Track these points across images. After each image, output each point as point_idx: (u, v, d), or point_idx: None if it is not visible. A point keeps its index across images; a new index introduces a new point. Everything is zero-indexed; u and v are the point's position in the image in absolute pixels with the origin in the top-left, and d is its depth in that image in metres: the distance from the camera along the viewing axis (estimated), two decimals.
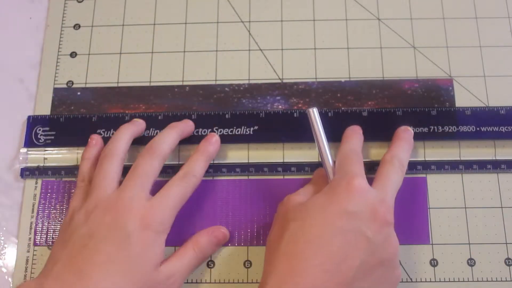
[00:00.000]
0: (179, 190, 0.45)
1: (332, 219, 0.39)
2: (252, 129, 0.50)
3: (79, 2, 0.57)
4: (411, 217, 0.48)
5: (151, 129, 0.50)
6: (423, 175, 0.49)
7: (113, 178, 0.44)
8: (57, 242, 0.43)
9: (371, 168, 0.49)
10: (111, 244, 0.40)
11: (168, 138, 0.46)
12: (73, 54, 0.55)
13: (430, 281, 0.47)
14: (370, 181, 0.43)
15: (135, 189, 0.43)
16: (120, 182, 0.45)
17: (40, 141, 0.51)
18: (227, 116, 0.50)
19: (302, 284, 0.36)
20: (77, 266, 0.39)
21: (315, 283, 0.36)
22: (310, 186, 0.45)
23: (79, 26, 0.56)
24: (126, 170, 0.46)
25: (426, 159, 0.49)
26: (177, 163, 0.50)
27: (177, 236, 0.45)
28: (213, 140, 0.48)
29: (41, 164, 0.50)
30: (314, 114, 0.45)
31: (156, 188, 0.45)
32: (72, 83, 0.54)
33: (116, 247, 0.40)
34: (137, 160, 0.45)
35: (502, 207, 0.49)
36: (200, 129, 0.50)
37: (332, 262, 0.37)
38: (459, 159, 0.49)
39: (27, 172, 0.50)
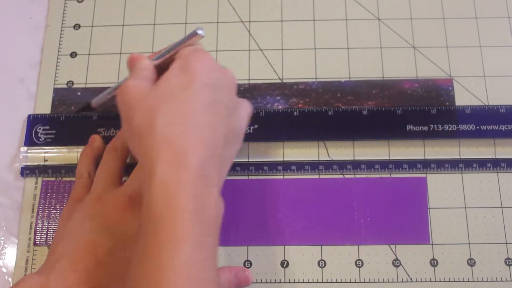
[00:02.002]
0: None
1: (199, 95, 0.38)
2: (252, 128, 0.50)
3: (79, 2, 0.57)
4: (411, 217, 0.48)
5: None
6: (423, 175, 0.49)
7: (117, 175, 0.45)
8: (58, 234, 0.43)
9: (371, 167, 0.49)
10: (117, 244, 0.40)
11: None
12: (73, 54, 0.55)
13: (430, 281, 0.47)
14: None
15: (139, 188, 0.43)
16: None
17: (40, 140, 0.51)
18: None
19: (192, 162, 0.35)
20: (82, 264, 0.39)
21: (203, 159, 0.36)
22: (138, 71, 0.42)
23: (79, 26, 0.56)
24: (126, 168, 0.46)
25: (426, 157, 0.49)
26: None
27: None
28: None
29: (41, 163, 0.50)
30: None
31: None
32: (72, 83, 0.54)
33: (122, 249, 0.40)
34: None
35: (502, 207, 0.49)
36: None
37: (210, 137, 0.37)
38: (459, 157, 0.49)
39: (27, 171, 0.50)
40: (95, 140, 0.48)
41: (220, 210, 0.37)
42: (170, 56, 0.42)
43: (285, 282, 0.47)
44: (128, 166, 0.47)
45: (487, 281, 0.47)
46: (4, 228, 0.50)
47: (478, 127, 0.49)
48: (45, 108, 0.53)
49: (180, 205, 0.34)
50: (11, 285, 0.47)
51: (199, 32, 0.42)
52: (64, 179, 0.50)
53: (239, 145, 0.42)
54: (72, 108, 0.52)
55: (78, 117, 0.51)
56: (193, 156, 0.35)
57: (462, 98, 0.51)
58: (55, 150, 0.50)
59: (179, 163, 0.35)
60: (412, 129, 0.49)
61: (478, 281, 0.47)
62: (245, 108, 0.42)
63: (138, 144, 0.38)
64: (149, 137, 0.37)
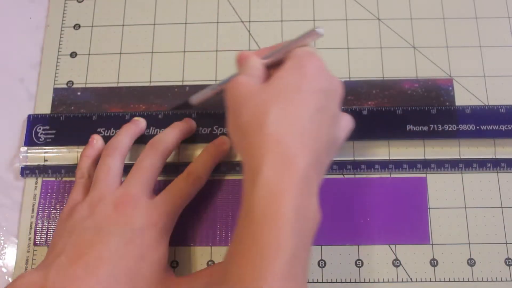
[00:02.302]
0: (183, 190, 0.45)
1: (309, 99, 0.38)
2: None
3: (79, 2, 0.57)
4: (411, 217, 0.48)
5: (151, 127, 0.50)
6: (423, 175, 0.49)
7: (116, 174, 0.45)
8: (57, 233, 0.43)
9: (371, 167, 0.49)
10: (119, 240, 0.40)
11: (171, 136, 0.47)
12: (73, 54, 0.55)
13: (430, 281, 0.47)
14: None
15: (139, 186, 0.43)
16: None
17: (40, 140, 0.51)
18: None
19: (299, 166, 0.35)
20: (83, 260, 0.39)
21: (308, 164, 0.35)
22: (248, 68, 0.42)
23: (79, 26, 0.56)
24: (126, 168, 0.46)
25: (426, 157, 0.49)
26: (177, 162, 0.50)
27: (176, 235, 0.45)
28: (221, 142, 0.48)
29: (41, 163, 0.50)
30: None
31: (157, 186, 0.45)
32: (72, 83, 0.54)
33: (123, 244, 0.40)
34: (140, 157, 0.45)
35: (502, 207, 0.49)
36: (200, 128, 0.50)
37: (316, 142, 0.37)
38: (459, 157, 0.49)
39: (27, 171, 0.50)
40: (96, 140, 0.49)
41: (317, 222, 0.36)
42: (282, 55, 0.42)
43: None
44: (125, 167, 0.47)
45: (487, 281, 0.47)
46: (4, 228, 0.50)
47: (478, 127, 0.49)
48: (45, 108, 0.53)
49: (282, 212, 0.34)
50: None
51: (319, 30, 0.41)
52: (64, 179, 0.50)
53: (333, 157, 0.41)
54: (72, 108, 0.52)
55: (78, 117, 0.51)
56: (300, 159, 0.35)
57: (462, 98, 0.51)
58: (55, 150, 0.50)
59: (287, 165, 0.35)
60: (412, 129, 0.49)
61: (478, 281, 0.47)
62: (346, 121, 0.42)
63: (243, 141, 0.38)
64: (257, 135, 0.36)
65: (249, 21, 0.55)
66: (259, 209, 0.34)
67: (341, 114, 0.41)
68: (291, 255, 0.33)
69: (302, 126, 0.36)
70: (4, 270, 0.48)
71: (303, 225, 0.35)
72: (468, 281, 0.47)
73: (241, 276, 0.33)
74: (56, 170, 0.50)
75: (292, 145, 0.36)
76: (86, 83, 0.54)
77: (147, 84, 0.53)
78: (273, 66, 0.42)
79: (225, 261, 0.36)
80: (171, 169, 0.49)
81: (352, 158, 0.50)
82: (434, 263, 0.47)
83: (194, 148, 0.50)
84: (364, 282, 0.47)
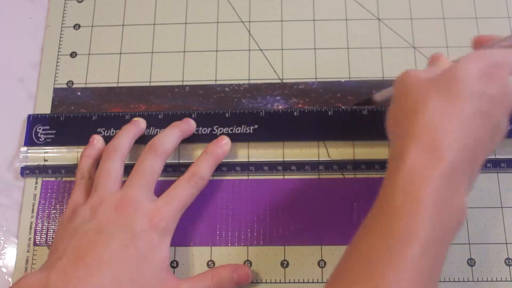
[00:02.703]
0: (185, 192, 0.45)
1: (475, 98, 0.36)
2: (252, 128, 0.50)
3: (79, 2, 0.57)
4: None
5: (151, 128, 0.50)
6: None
7: (117, 177, 0.45)
8: (59, 236, 0.43)
9: (371, 167, 0.49)
10: (119, 241, 0.40)
11: (170, 136, 0.47)
12: (73, 54, 0.55)
13: None
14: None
15: (140, 188, 0.43)
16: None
17: (40, 140, 0.51)
18: (227, 115, 0.50)
19: (446, 158, 0.34)
20: (84, 261, 0.39)
21: (457, 159, 0.35)
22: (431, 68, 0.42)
23: (79, 26, 0.56)
24: (127, 169, 0.46)
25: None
26: (177, 162, 0.50)
27: (176, 235, 0.45)
28: (222, 142, 0.48)
29: (41, 163, 0.50)
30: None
31: (157, 187, 0.45)
32: (72, 83, 0.54)
33: (124, 246, 0.40)
34: (140, 159, 0.45)
35: (502, 207, 0.49)
36: (200, 128, 0.50)
37: (471, 141, 0.36)
38: None
39: (27, 171, 0.50)
40: (96, 140, 0.49)
41: (461, 221, 0.36)
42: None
43: (285, 282, 0.47)
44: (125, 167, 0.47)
45: (487, 281, 0.47)
46: (4, 228, 0.50)
47: None
48: (45, 108, 0.53)
49: (422, 200, 0.33)
50: (11, 285, 0.47)
51: None
52: (64, 179, 0.50)
53: (483, 161, 0.39)
54: (72, 108, 0.52)
55: (78, 117, 0.51)
56: (449, 152, 0.34)
57: None
58: (55, 150, 0.50)
59: (433, 154, 0.34)
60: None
61: (478, 281, 0.47)
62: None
63: (397, 126, 0.38)
64: (411, 121, 0.36)
65: (249, 21, 0.55)
66: (397, 194, 0.34)
67: (504, 125, 0.39)
68: (425, 246, 0.33)
69: (461, 122, 0.36)
70: (4, 270, 0.48)
71: (444, 219, 0.34)
72: (468, 281, 0.47)
73: (367, 259, 0.33)
74: (56, 170, 0.50)
75: (443, 137, 0.35)
76: (86, 83, 0.54)
77: (147, 84, 0.53)
78: None
79: (349, 246, 0.36)
80: (172, 169, 0.49)
81: (352, 158, 0.50)
82: None
83: (194, 148, 0.50)
84: None
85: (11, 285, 0.47)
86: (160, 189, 0.45)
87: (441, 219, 0.34)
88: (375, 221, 0.35)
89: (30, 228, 0.49)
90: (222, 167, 0.49)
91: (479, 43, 0.43)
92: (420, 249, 0.32)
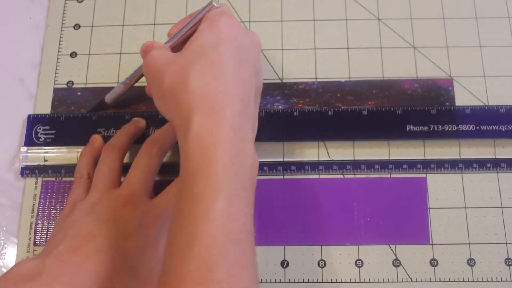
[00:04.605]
0: None
1: (228, 53, 0.39)
2: None
3: (79, 2, 0.57)
4: (411, 217, 0.48)
5: (151, 128, 0.50)
6: (423, 175, 0.49)
7: (116, 175, 0.45)
8: (57, 228, 0.43)
9: (371, 167, 0.49)
10: (119, 234, 0.41)
11: (168, 134, 0.47)
12: (73, 54, 0.55)
13: (430, 281, 0.47)
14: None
15: (138, 186, 0.44)
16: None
17: (40, 140, 0.51)
18: None
19: (227, 116, 0.36)
20: (82, 249, 0.39)
21: (237, 113, 0.37)
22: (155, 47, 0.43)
23: (79, 26, 0.56)
24: (125, 168, 0.46)
25: (426, 157, 0.49)
26: (177, 161, 0.50)
27: None
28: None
29: (41, 163, 0.50)
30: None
31: (156, 187, 0.45)
32: (72, 83, 0.54)
33: (123, 239, 0.41)
34: (137, 156, 0.45)
35: (502, 207, 0.49)
36: None
37: (242, 93, 0.38)
38: (459, 157, 0.49)
39: (27, 171, 0.50)
40: (96, 140, 0.49)
41: (255, 166, 0.38)
42: (186, 34, 0.44)
43: (285, 282, 0.47)
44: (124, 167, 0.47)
45: (487, 281, 0.47)
46: (4, 228, 0.50)
47: (478, 127, 0.49)
48: (45, 108, 0.53)
49: (215, 157, 0.35)
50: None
51: (214, 3, 0.43)
52: (64, 179, 0.50)
53: (259, 104, 0.43)
54: (72, 108, 0.52)
55: (78, 117, 0.51)
56: (227, 109, 0.36)
57: (462, 98, 0.51)
58: (55, 150, 0.50)
59: (214, 117, 0.36)
60: (412, 129, 0.49)
61: (478, 281, 0.47)
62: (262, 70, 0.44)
63: (170, 103, 0.39)
64: (183, 93, 0.38)
65: (249, 21, 0.55)
66: (192, 160, 0.35)
67: (260, 65, 0.43)
68: (231, 194, 0.34)
69: (225, 79, 0.38)
70: (4, 270, 0.48)
71: (240, 168, 0.36)
72: (468, 281, 0.47)
73: (182, 224, 0.34)
74: (56, 170, 0.50)
75: (217, 97, 0.37)
76: (86, 83, 0.54)
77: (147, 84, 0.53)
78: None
79: (170, 223, 0.37)
80: (171, 169, 0.49)
81: (352, 158, 0.50)
82: (434, 263, 0.47)
83: None
84: (364, 282, 0.47)
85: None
86: (160, 189, 0.45)
87: (237, 168, 0.35)
88: (182, 189, 0.36)
89: (30, 228, 0.49)
90: None
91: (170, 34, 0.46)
92: (225, 200, 0.34)
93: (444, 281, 0.47)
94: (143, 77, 0.46)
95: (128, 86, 0.49)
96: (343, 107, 0.51)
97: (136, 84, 0.53)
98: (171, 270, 0.33)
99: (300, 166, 0.49)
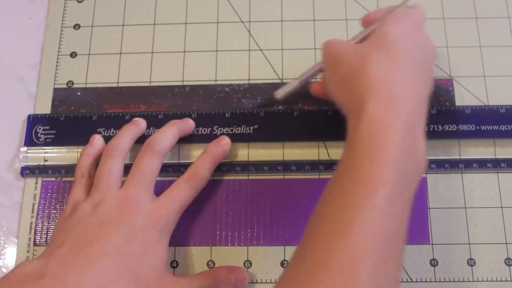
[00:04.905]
0: (184, 192, 0.45)
1: (411, 50, 0.38)
2: (252, 128, 0.50)
3: (79, 2, 0.57)
4: (411, 217, 0.48)
5: (151, 128, 0.50)
6: (423, 175, 0.49)
7: (117, 176, 0.45)
8: (58, 229, 0.43)
9: None
10: (121, 236, 0.41)
11: (167, 134, 0.47)
12: (73, 54, 0.55)
13: (430, 281, 0.47)
14: None
15: (140, 187, 0.44)
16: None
17: (40, 140, 0.51)
18: (227, 115, 0.50)
19: (404, 107, 0.35)
20: (85, 251, 0.39)
21: (413, 108, 0.36)
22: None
23: (79, 26, 0.56)
24: (126, 169, 0.46)
25: (426, 157, 0.49)
26: (177, 162, 0.50)
27: (176, 235, 0.45)
28: (223, 142, 0.48)
29: (41, 163, 0.50)
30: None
31: (157, 186, 0.45)
32: (72, 83, 0.54)
33: (125, 241, 0.40)
34: (138, 158, 0.45)
35: (502, 207, 0.49)
36: (200, 128, 0.50)
37: (419, 90, 0.37)
38: (459, 157, 0.49)
39: (27, 171, 0.50)
40: (96, 139, 0.49)
41: (422, 167, 0.36)
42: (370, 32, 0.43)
43: None
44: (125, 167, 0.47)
45: (487, 281, 0.47)
46: (4, 228, 0.50)
47: (478, 127, 0.49)
48: (45, 108, 0.53)
49: (386, 148, 0.34)
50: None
51: (409, 4, 0.43)
52: (64, 179, 0.50)
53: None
54: (72, 108, 0.52)
55: (78, 118, 0.51)
56: (404, 101, 0.35)
57: (462, 98, 0.51)
58: (55, 150, 0.50)
59: (391, 105, 0.35)
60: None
61: (478, 281, 0.47)
62: None
63: (344, 88, 0.39)
64: (360, 76, 0.37)
65: (249, 21, 0.55)
66: (361, 143, 0.34)
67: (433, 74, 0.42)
68: (392, 191, 0.33)
69: (405, 71, 0.37)
70: (4, 270, 0.48)
71: (408, 166, 0.34)
72: (468, 281, 0.47)
73: (340, 205, 0.33)
74: (56, 170, 0.50)
75: (396, 86, 0.36)
76: (86, 83, 0.54)
77: (147, 84, 0.53)
78: None
79: (322, 199, 0.36)
80: (171, 169, 0.49)
81: None
82: (434, 263, 0.47)
83: (194, 148, 0.50)
84: None
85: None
86: (160, 189, 0.45)
87: (405, 165, 0.34)
88: (342, 172, 0.35)
89: (30, 228, 0.49)
90: (222, 167, 0.49)
91: (368, 21, 0.45)
92: (385, 195, 0.33)
93: (444, 281, 0.47)
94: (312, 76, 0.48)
95: (303, 82, 0.48)
96: None
97: (136, 84, 0.53)
98: (315, 248, 0.33)
99: (300, 166, 0.49)
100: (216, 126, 0.50)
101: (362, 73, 0.37)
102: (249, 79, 0.53)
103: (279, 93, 0.49)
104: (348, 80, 0.38)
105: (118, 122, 0.50)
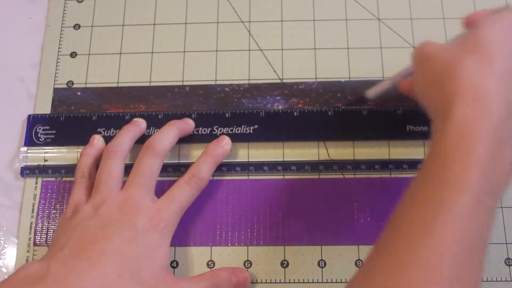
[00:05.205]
0: (185, 193, 0.45)
1: (504, 53, 0.37)
2: (252, 128, 0.50)
3: (79, 2, 0.57)
4: None
5: (151, 128, 0.50)
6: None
7: (118, 177, 0.45)
8: (59, 231, 0.43)
9: (371, 167, 0.49)
10: (122, 238, 0.41)
11: (167, 135, 0.47)
12: (73, 54, 0.55)
13: None
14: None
15: (141, 189, 0.44)
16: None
17: (40, 140, 0.51)
18: (227, 115, 0.50)
19: (495, 112, 0.34)
20: (86, 253, 0.39)
21: (504, 113, 0.34)
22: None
23: (79, 26, 0.56)
24: (127, 169, 0.46)
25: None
26: (177, 162, 0.50)
27: (176, 235, 0.45)
28: (223, 142, 0.48)
29: (41, 163, 0.50)
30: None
31: (157, 187, 0.45)
32: (72, 83, 0.54)
33: (126, 243, 0.41)
34: (138, 159, 0.45)
35: (502, 207, 0.49)
36: (200, 128, 0.50)
37: (509, 96, 0.36)
38: None
39: (27, 171, 0.50)
40: (96, 139, 0.49)
41: (509, 177, 0.35)
42: None
43: (285, 282, 0.47)
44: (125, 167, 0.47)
45: (487, 281, 0.47)
46: (4, 228, 0.50)
47: None
48: (45, 108, 0.53)
49: (475, 152, 0.33)
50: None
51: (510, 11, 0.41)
52: (64, 179, 0.50)
53: None
54: (72, 108, 0.52)
55: (78, 118, 0.51)
56: (496, 105, 0.34)
57: None
58: (55, 150, 0.50)
59: (482, 108, 0.34)
60: (412, 129, 0.49)
61: None
62: None
63: (432, 89, 0.38)
64: (450, 78, 0.36)
65: (249, 21, 0.55)
66: (449, 145, 0.34)
67: None
68: (476, 197, 0.32)
69: (498, 74, 0.36)
70: (4, 270, 0.48)
71: (494, 172, 0.34)
72: None
73: (423, 205, 0.33)
74: (56, 170, 0.50)
75: (487, 90, 0.35)
76: (86, 83, 0.54)
77: (147, 84, 0.53)
78: None
79: (397, 209, 0.36)
80: (172, 169, 0.49)
81: (352, 158, 0.50)
82: None
83: (194, 148, 0.50)
84: None
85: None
86: (160, 189, 0.45)
87: (492, 172, 0.33)
88: (427, 172, 0.35)
89: (30, 228, 0.49)
90: (222, 167, 0.49)
91: (471, 23, 0.43)
92: (471, 198, 0.32)
93: None
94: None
95: (396, 83, 0.48)
96: (343, 107, 0.51)
97: (136, 84, 0.53)
98: (400, 248, 0.33)
99: (300, 166, 0.49)
100: (216, 126, 0.50)
101: (452, 75, 0.36)
102: (249, 79, 0.53)
103: (371, 93, 0.50)
104: (437, 80, 0.38)
105: (118, 122, 0.50)
